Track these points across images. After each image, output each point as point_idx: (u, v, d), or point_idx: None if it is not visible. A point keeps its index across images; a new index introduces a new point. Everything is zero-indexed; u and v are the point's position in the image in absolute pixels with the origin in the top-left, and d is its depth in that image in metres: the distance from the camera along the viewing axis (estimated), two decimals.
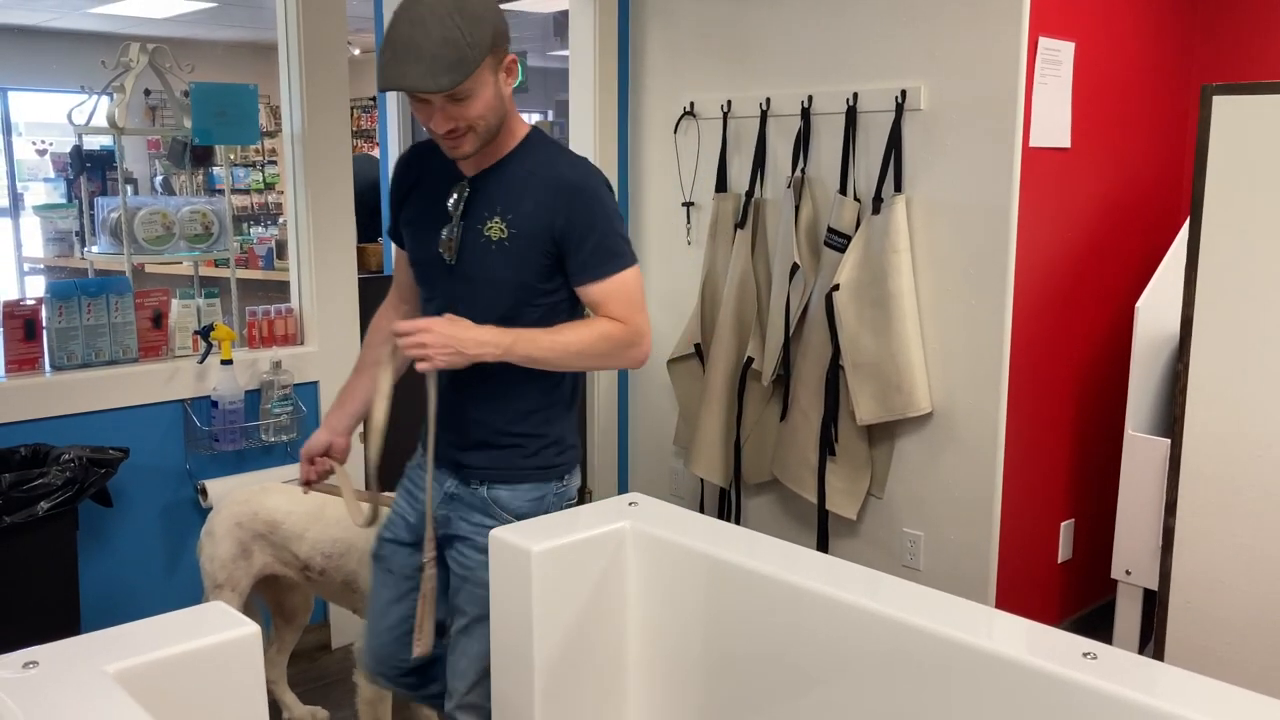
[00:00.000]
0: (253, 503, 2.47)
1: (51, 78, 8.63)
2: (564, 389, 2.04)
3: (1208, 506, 2.50)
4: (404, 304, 2.17)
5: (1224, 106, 2.39)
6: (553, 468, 2.04)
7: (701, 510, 3.58)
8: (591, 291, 1.95)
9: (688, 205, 3.62)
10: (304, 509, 2.42)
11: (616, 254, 1.96)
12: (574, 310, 2.01)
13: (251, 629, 1.50)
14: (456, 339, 1.82)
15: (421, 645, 2.00)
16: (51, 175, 8.89)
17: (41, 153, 9.22)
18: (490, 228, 1.93)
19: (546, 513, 2.02)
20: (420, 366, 1.82)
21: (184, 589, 2.83)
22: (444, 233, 1.96)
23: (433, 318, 1.85)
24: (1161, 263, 2.95)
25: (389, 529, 2.13)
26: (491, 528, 1.96)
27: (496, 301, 1.96)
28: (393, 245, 2.18)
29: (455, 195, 1.96)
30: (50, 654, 1.42)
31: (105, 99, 2.85)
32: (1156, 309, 2.88)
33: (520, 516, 2.00)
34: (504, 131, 1.92)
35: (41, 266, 5.49)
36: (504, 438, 2.00)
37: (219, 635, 1.48)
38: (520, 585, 1.84)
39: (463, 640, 2.02)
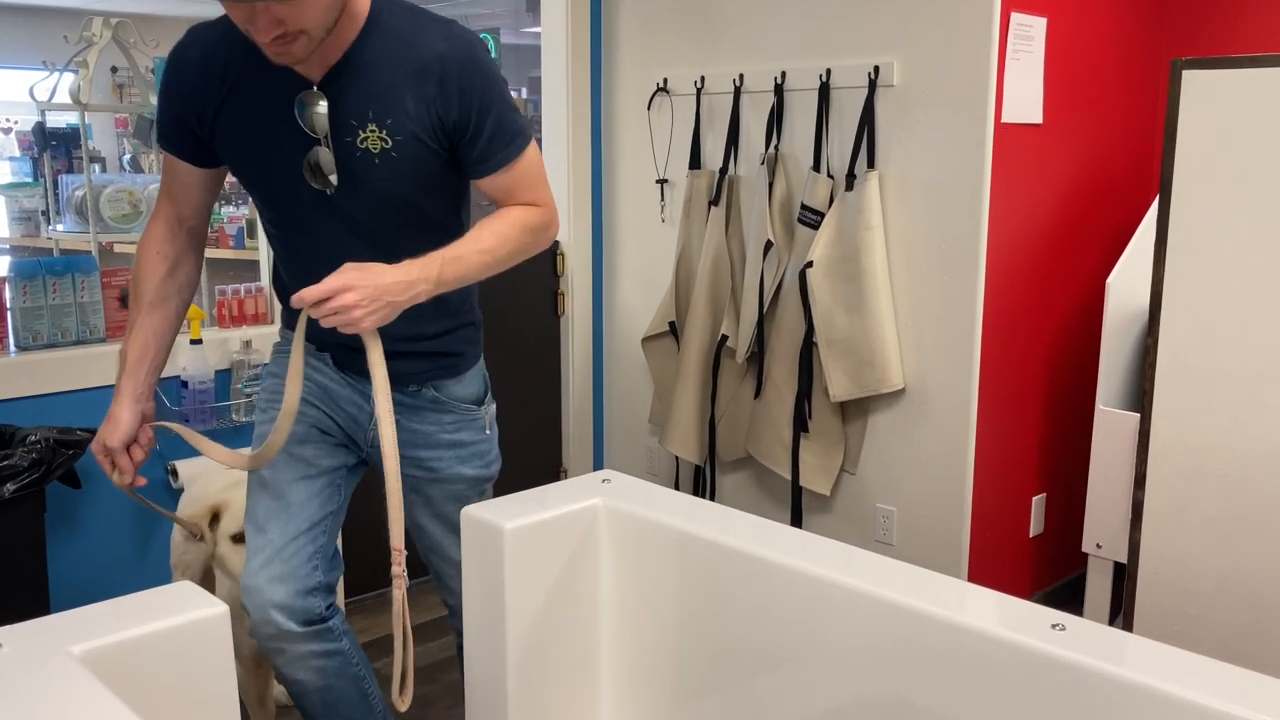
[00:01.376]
0: (201, 485, 2.47)
1: (15, 54, 8.48)
2: None
3: (1176, 480, 2.52)
4: (189, 219, 1.81)
5: (1193, 81, 2.39)
6: (479, 348, 1.94)
7: (677, 487, 3.58)
8: (499, 181, 1.71)
9: (662, 182, 3.60)
10: (226, 495, 2.35)
11: (516, 132, 1.70)
12: (467, 214, 1.84)
13: (220, 609, 1.49)
14: (382, 289, 1.55)
15: (406, 697, 1.72)
16: (17, 154, 8.75)
17: (6, 131, 9.07)
18: (366, 139, 1.62)
19: (488, 392, 1.95)
20: (348, 331, 1.56)
21: (155, 571, 2.81)
22: (309, 157, 1.63)
23: (343, 273, 1.55)
24: (1132, 238, 2.97)
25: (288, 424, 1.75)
26: (451, 421, 1.87)
27: (392, 230, 1.70)
28: (166, 156, 1.77)
29: (311, 107, 1.60)
30: (14, 635, 1.41)
31: (69, 75, 2.81)
32: (1127, 284, 2.90)
33: (476, 402, 1.91)
34: (343, 14, 1.56)
35: (7, 246, 5.41)
36: (434, 340, 1.83)
37: (186, 615, 1.46)
38: (492, 563, 1.83)
39: (452, 543, 1.93)
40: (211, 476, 2.49)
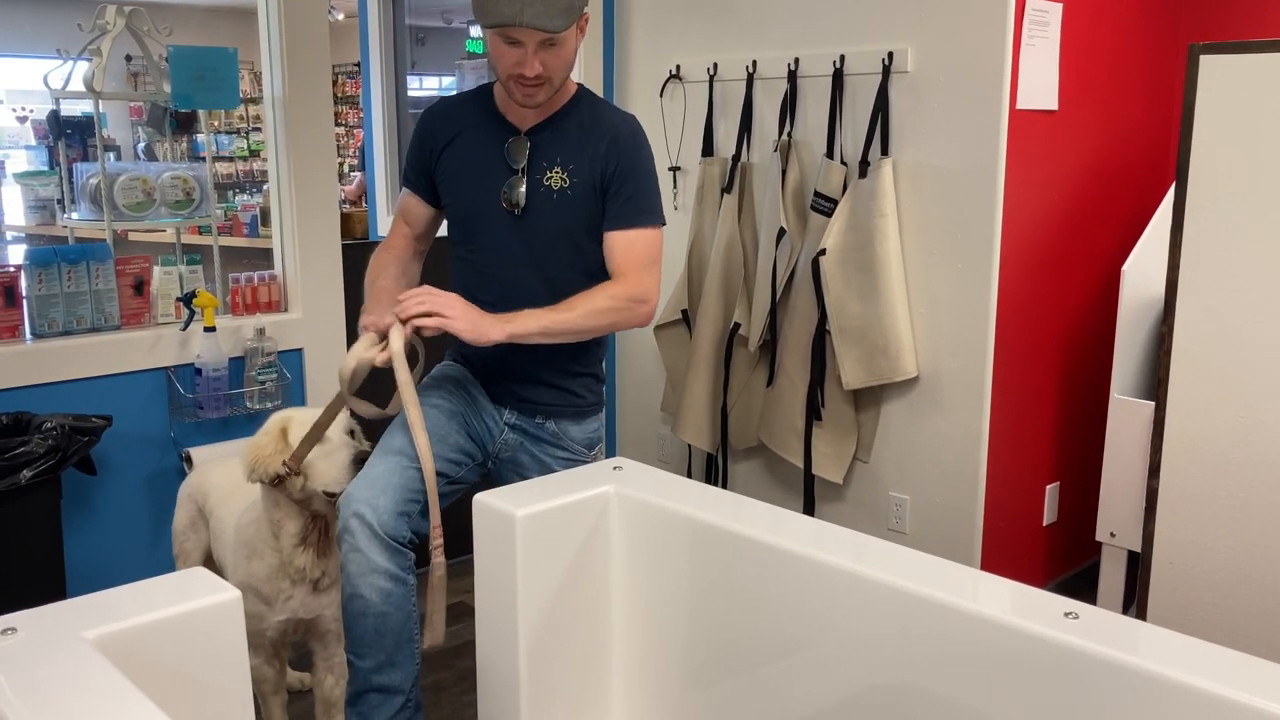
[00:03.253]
0: (202, 473, 2.47)
1: (31, 43, 8.51)
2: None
3: (1191, 469, 2.50)
4: (418, 244, 2.26)
5: (1211, 66, 2.37)
6: (602, 401, 2.26)
7: (689, 476, 3.58)
8: (615, 239, 2.06)
9: (674, 170, 3.59)
10: (226, 485, 2.37)
11: (648, 210, 2.09)
12: None
13: (233, 594, 1.50)
14: (470, 305, 1.96)
15: (432, 636, 2.01)
16: (32, 143, 8.79)
17: (22, 120, 9.11)
18: (551, 177, 2.06)
19: (600, 442, 2.27)
20: (427, 323, 1.92)
21: (169, 556, 2.82)
22: (507, 185, 2.06)
23: (453, 299, 1.95)
24: (1148, 226, 2.94)
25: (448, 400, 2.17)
26: (563, 458, 2.19)
27: (556, 250, 2.09)
28: (405, 193, 2.24)
29: (517, 147, 2.07)
30: (29, 620, 1.42)
31: (82, 63, 2.81)
32: (1143, 272, 2.88)
33: (588, 447, 2.23)
34: (561, 87, 2.05)
35: (22, 235, 5.44)
36: (568, 378, 2.17)
37: (200, 600, 1.47)
38: (504, 550, 1.83)
39: None
40: (218, 462, 2.50)
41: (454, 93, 2.19)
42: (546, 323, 1.99)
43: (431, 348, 2.05)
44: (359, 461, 2.05)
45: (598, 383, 2.25)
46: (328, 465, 2.04)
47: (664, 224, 2.12)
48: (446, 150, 2.13)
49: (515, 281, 2.10)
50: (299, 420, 2.07)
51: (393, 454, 2.03)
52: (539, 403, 2.17)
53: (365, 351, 1.96)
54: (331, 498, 2.06)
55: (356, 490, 2.00)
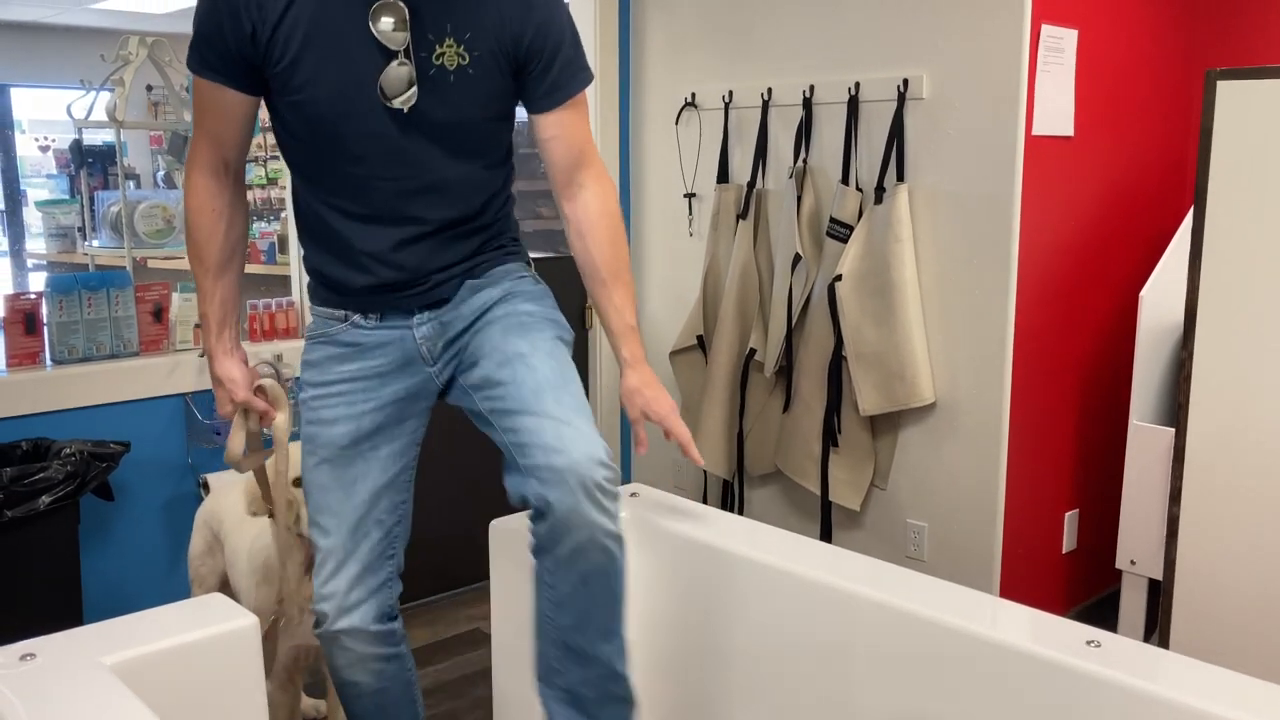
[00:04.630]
0: (217, 498, 2.48)
1: (53, 74, 8.63)
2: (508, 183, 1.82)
3: (1213, 495, 2.48)
4: (234, 162, 1.70)
5: (1228, 91, 2.37)
6: (516, 252, 1.84)
7: (705, 502, 3.57)
8: (561, 120, 1.68)
9: (689, 196, 3.60)
10: (239, 512, 2.33)
11: (582, 65, 1.69)
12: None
13: (250, 620, 1.50)
14: (660, 388, 1.81)
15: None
16: (54, 172, 8.89)
17: (44, 149, 9.22)
18: (443, 54, 1.56)
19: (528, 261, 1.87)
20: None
21: (187, 582, 2.83)
22: (388, 71, 1.54)
23: (652, 391, 1.78)
24: (1166, 250, 2.93)
25: (334, 430, 1.74)
26: (496, 287, 1.75)
27: (459, 157, 1.65)
28: (204, 86, 1.61)
29: (391, 18, 1.52)
30: (48, 646, 1.42)
31: (105, 93, 2.85)
32: (1161, 297, 2.87)
33: (515, 273, 1.81)
34: None
35: (44, 262, 5.49)
36: (463, 263, 1.76)
37: (217, 627, 1.47)
38: (521, 575, 1.83)
39: (556, 389, 1.66)
40: (233, 488, 2.50)
41: None
42: (634, 309, 1.79)
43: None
44: None
45: (512, 249, 1.84)
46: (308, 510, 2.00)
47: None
48: (278, 27, 1.52)
49: (402, 213, 1.65)
50: (299, 455, 2.05)
51: (344, 518, 1.75)
52: (445, 288, 1.75)
53: (246, 460, 1.81)
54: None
55: (321, 588, 1.75)
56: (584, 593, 1.63)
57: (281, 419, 1.84)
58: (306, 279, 1.84)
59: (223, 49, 1.56)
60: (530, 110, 1.69)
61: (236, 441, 1.78)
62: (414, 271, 1.70)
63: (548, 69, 1.64)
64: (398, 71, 1.54)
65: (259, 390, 1.80)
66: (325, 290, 1.77)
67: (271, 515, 2.02)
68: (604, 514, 1.58)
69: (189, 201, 1.70)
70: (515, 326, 1.72)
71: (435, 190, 1.66)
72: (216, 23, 1.55)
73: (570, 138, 1.71)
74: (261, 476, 1.95)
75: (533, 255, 1.99)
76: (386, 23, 1.52)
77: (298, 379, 1.94)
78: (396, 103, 1.55)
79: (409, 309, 1.74)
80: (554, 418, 1.59)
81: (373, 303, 1.74)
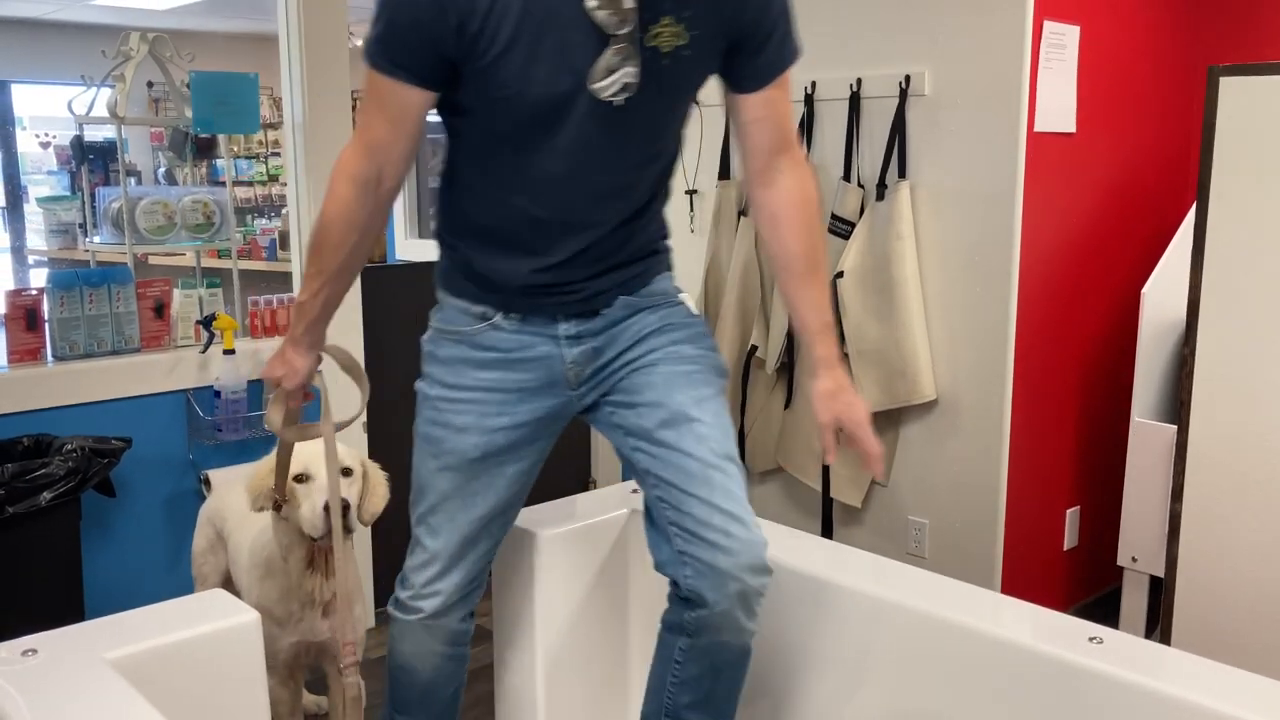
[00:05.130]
0: (220, 496, 2.48)
1: (54, 70, 8.63)
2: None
3: (1215, 492, 2.48)
4: (388, 180, 1.55)
5: (1230, 88, 2.36)
6: (667, 264, 1.78)
7: None
8: (768, 98, 1.54)
9: (691, 193, 3.60)
10: (242, 509, 2.32)
11: (794, 37, 1.56)
12: None
13: (251, 616, 1.50)
14: (856, 393, 1.68)
15: None
16: (55, 168, 8.89)
17: (45, 145, 9.22)
18: (659, 34, 1.39)
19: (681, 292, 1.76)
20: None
21: (188, 578, 2.83)
22: (603, 59, 1.37)
23: (848, 397, 1.64)
24: (1168, 247, 2.93)
25: (463, 439, 1.65)
26: (650, 310, 1.66)
27: (656, 151, 1.54)
28: (393, 87, 1.46)
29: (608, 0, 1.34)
30: (49, 642, 1.42)
31: (106, 89, 2.84)
32: (1163, 294, 2.87)
33: (669, 294, 1.72)
34: None
35: (45, 259, 5.49)
36: (628, 266, 1.66)
37: (218, 623, 1.47)
38: (523, 571, 1.83)
39: (725, 466, 1.59)
40: (236, 485, 2.50)
41: None
42: (830, 306, 1.65)
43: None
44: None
45: (666, 255, 1.77)
46: (306, 507, 1.97)
47: None
48: (492, 14, 1.37)
49: (586, 216, 1.55)
50: (296, 460, 2.05)
51: (457, 527, 1.69)
52: (599, 294, 1.64)
53: (288, 432, 1.78)
54: (314, 540, 2.01)
55: (422, 586, 1.71)
56: (711, 680, 1.62)
57: (329, 432, 1.80)
58: (441, 262, 1.70)
59: (418, 44, 1.41)
60: (734, 90, 1.54)
61: (275, 414, 1.77)
62: (575, 275, 1.60)
63: (763, 46, 1.50)
64: (613, 58, 1.37)
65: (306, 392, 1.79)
66: (467, 282, 1.64)
67: (277, 509, 2.02)
68: (753, 619, 1.57)
69: (326, 205, 1.57)
70: (679, 376, 1.63)
71: (627, 190, 1.57)
72: (413, 17, 1.40)
73: (776, 118, 1.58)
74: (282, 467, 1.93)
75: None
76: (604, 1, 1.35)
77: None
78: (607, 94, 1.39)
79: (554, 314, 1.63)
80: (724, 510, 1.54)
81: (519, 302, 1.62)
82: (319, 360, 1.77)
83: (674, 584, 1.60)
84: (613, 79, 1.38)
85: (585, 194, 1.52)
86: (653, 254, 1.70)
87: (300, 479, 1.97)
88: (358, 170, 1.52)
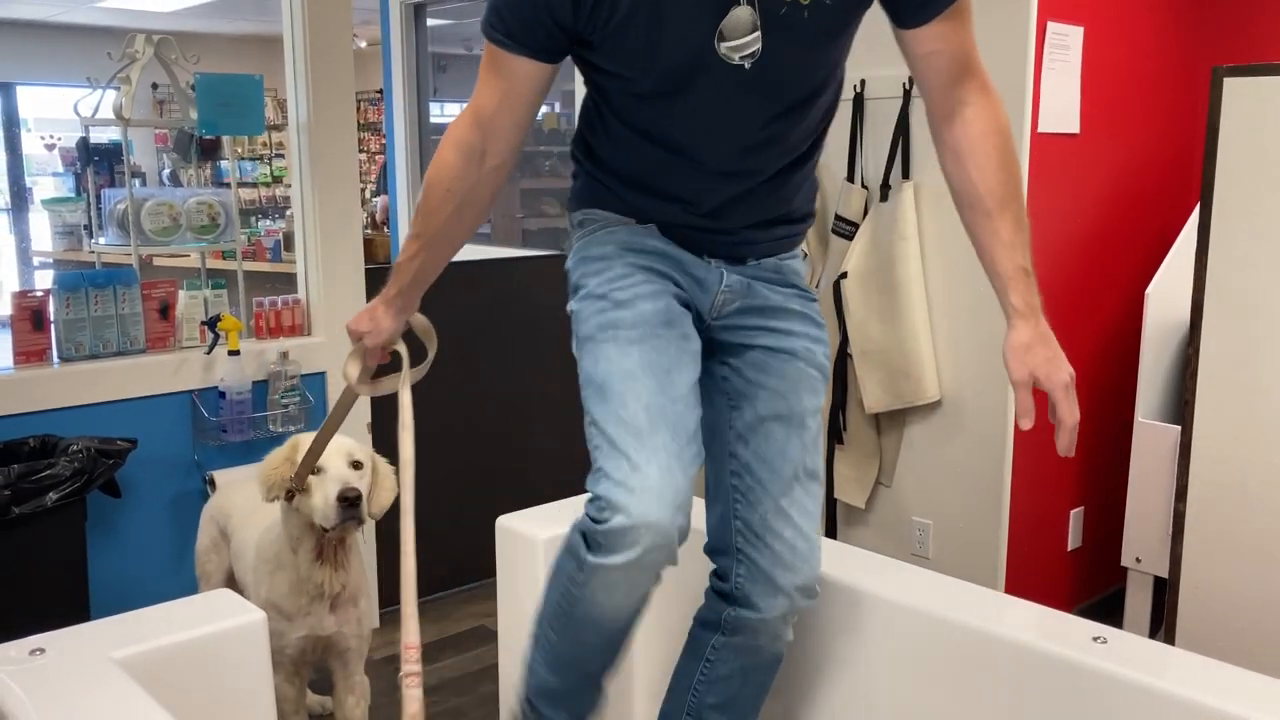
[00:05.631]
0: (224, 494, 2.49)
1: (60, 72, 8.66)
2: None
3: (1219, 492, 2.48)
4: (494, 157, 1.49)
5: (1235, 88, 2.36)
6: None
7: None
8: (941, 30, 1.41)
9: None
10: (247, 506, 2.35)
11: None
12: None
13: (258, 615, 1.50)
14: (1049, 340, 1.47)
15: None
16: (60, 170, 8.92)
17: (50, 147, 9.25)
18: None
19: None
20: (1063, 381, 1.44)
21: (193, 579, 2.83)
22: (730, 18, 1.30)
23: (1048, 351, 1.46)
24: (1172, 248, 2.93)
25: (640, 307, 1.47)
26: (795, 296, 1.59)
27: (806, 102, 1.42)
28: (497, 56, 1.42)
29: None
30: (57, 641, 1.43)
31: (111, 91, 2.85)
32: (1167, 295, 2.87)
33: (807, 285, 1.66)
34: None
35: (50, 260, 5.50)
36: (801, 221, 1.62)
37: (225, 622, 1.48)
38: (527, 573, 1.83)
39: (808, 483, 1.53)
40: (240, 484, 2.51)
41: None
42: (1028, 235, 1.47)
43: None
44: (345, 499, 1.94)
45: (814, 202, 1.70)
46: (319, 497, 1.98)
47: None
48: None
49: (738, 165, 1.46)
50: (311, 441, 2.07)
51: (655, 402, 1.40)
52: (764, 242, 1.58)
53: (361, 385, 1.73)
54: (325, 531, 2.02)
55: (646, 515, 1.35)
56: (740, 681, 1.60)
57: (408, 396, 1.70)
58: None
59: (532, 14, 1.36)
60: (902, 25, 1.43)
61: (352, 367, 1.73)
62: (732, 223, 1.52)
63: None
64: (738, 16, 1.29)
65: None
66: (619, 202, 1.56)
67: (290, 498, 2.02)
68: (790, 629, 1.57)
69: (431, 167, 1.51)
70: (808, 379, 1.57)
71: (779, 139, 1.46)
72: None
73: (954, 50, 1.45)
74: (334, 426, 1.89)
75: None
76: None
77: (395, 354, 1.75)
78: (738, 57, 1.32)
79: (703, 250, 1.54)
80: (796, 525, 1.51)
81: (672, 231, 1.54)
82: (405, 326, 1.70)
83: (718, 575, 1.56)
84: (739, 42, 1.31)
85: (732, 147, 1.44)
86: (803, 219, 1.61)
87: (314, 470, 1.98)
88: (462, 137, 1.47)
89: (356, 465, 2.03)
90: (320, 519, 1.98)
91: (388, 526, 2.16)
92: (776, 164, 1.48)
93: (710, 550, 1.58)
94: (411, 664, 1.48)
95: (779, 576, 1.49)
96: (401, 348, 1.73)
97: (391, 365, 1.75)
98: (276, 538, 2.12)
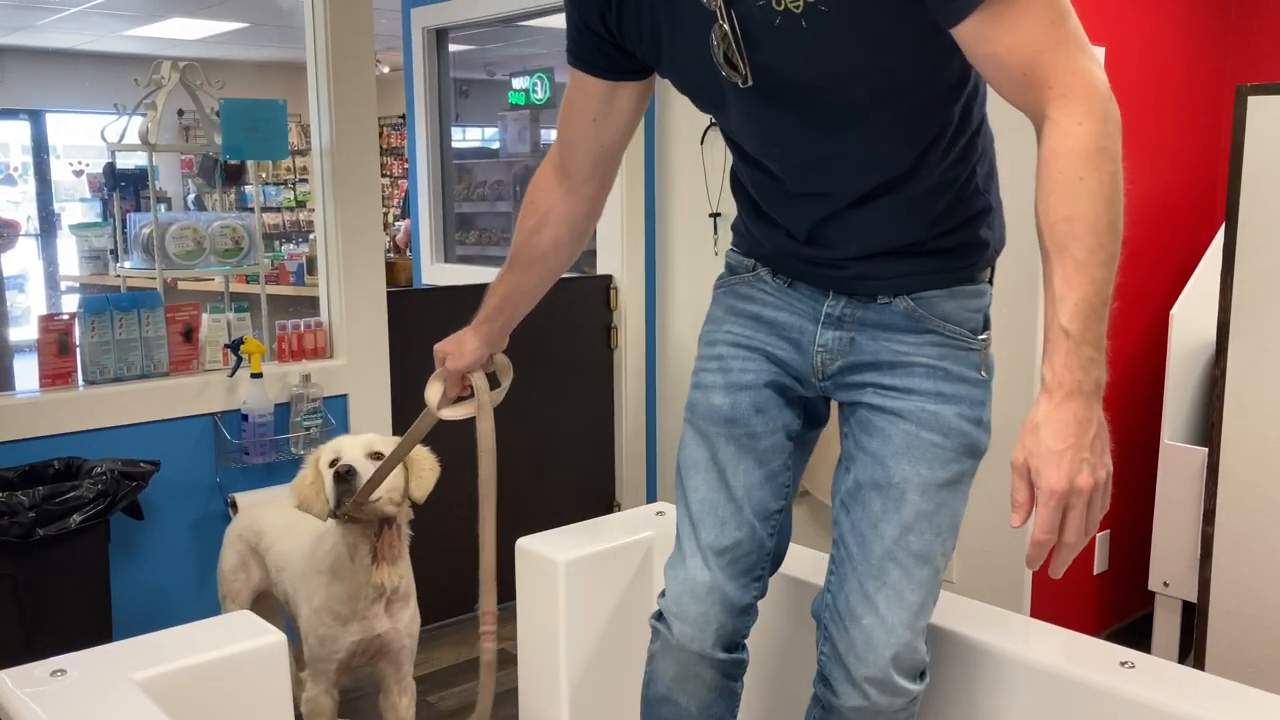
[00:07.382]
0: (252, 513, 2.49)
1: (89, 100, 8.78)
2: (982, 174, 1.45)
3: (1247, 515, 2.44)
4: (573, 172, 1.51)
5: (1259, 106, 2.35)
6: (987, 246, 1.49)
7: None
8: (978, 29, 1.13)
9: (715, 216, 3.61)
10: (283, 521, 2.37)
11: None
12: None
13: (278, 638, 1.50)
14: (1062, 439, 1.18)
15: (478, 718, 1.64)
16: (88, 195, 9.03)
17: (78, 173, 9.37)
18: None
19: (988, 320, 1.45)
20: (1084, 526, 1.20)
21: (215, 600, 2.84)
22: (714, 45, 1.23)
23: (1042, 442, 1.19)
24: (1197, 268, 2.91)
25: (723, 375, 1.50)
26: (932, 344, 1.40)
27: (860, 128, 1.27)
28: (571, 75, 1.47)
29: None
30: (78, 662, 1.43)
31: (138, 118, 2.89)
32: (1192, 315, 2.84)
33: (971, 327, 1.43)
34: None
35: (77, 284, 5.57)
36: (932, 242, 1.42)
37: (245, 644, 1.48)
38: (547, 596, 1.83)
39: (914, 514, 1.40)
40: (268, 504, 2.52)
41: None
42: (1090, 288, 1.18)
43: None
44: (338, 475, 1.97)
45: (987, 225, 1.49)
46: (327, 481, 2.01)
47: None
48: (625, 6, 1.32)
49: (806, 184, 1.36)
50: (329, 448, 2.08)
51: (709, 498, 1.49)
52: (883, 278, 1.41)
53: (442, 409, 1.76)
54: (413, 505, 2.07)
55: (680, 603, 1.49)
56: None
57: (486, 425, 1.75)
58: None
59: (578, 30, 1.39)
60: (945, 27, 1.18)
61: (433, 391, 1.77)
62: (830, 249, 1.41)
63: None
64: (718, 35, 1.21)
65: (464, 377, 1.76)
66: (746, 230, 1.54)
67: (350, 519, 2.03)
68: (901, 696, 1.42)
69: (531, 182, 1.57)
70: (920, 445, 1.43)
71: (839, 159, 1.33)
72: (576, 3, 1.38)
73: (1006, 52, 1.16)
74: (410, 444, 1.92)
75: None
76: None
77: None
78: (734, 81, 1.25)
79: (824, 286, 1.45)
80: (879, 613, 1.39)
81: (786, 265, 1.48)
82: (488, 359, 1.72)
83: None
84: (724, 55, 1.23)
85: (791, 163, 1.36)
86: (940, 254, 1.40)
87: (332, 464, 2.02)
88: (552, 154, 1.53)
89: (376, 456, 2.04)
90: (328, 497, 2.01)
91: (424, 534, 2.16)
92: (855, 184, 1.34)
93: (812, 612, 1.53)
94: (488, 625, 1.76)
95: (851, 664, 1.39)
96: (480, 378, 1.75)
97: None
98: (332, 548, 2.13)
